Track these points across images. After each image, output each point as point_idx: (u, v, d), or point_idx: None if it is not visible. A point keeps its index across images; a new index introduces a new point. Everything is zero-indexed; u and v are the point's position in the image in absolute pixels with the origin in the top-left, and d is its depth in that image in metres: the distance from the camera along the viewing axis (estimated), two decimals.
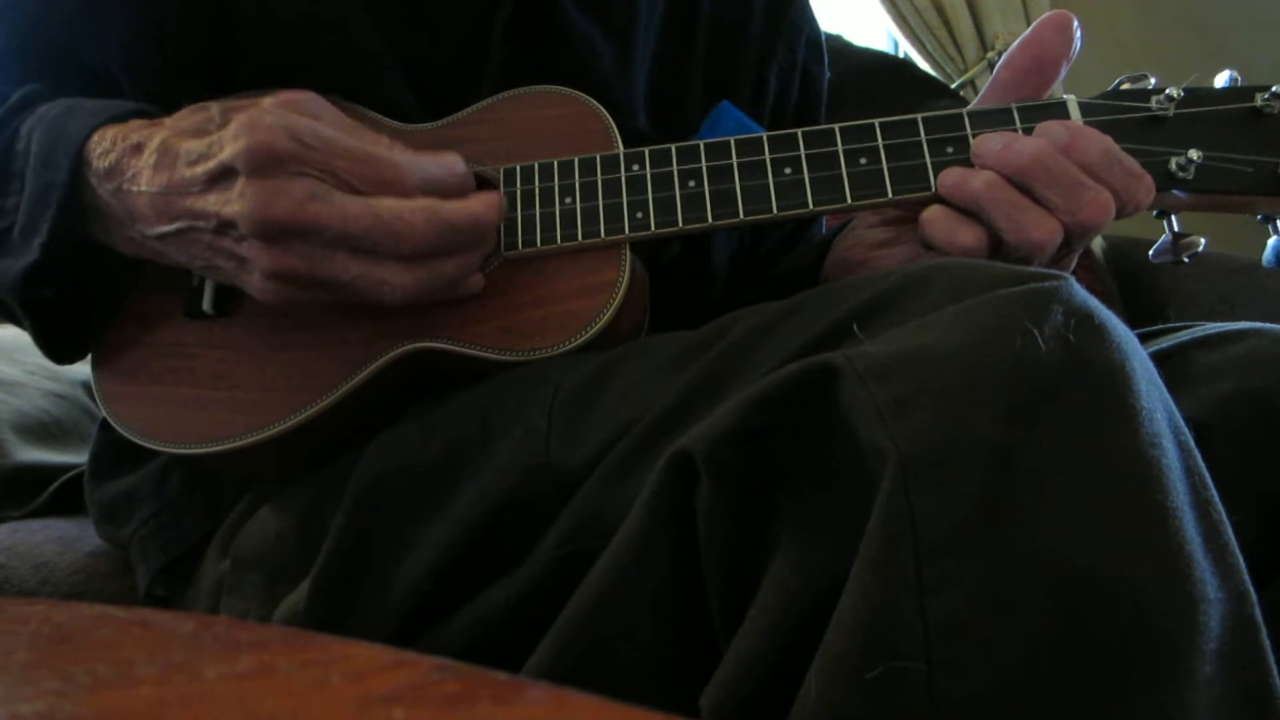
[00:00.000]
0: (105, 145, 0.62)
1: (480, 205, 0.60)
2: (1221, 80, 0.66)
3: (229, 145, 0.56)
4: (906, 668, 0.39)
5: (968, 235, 0.62)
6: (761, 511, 0.46)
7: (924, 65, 2.42)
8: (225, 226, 0.58)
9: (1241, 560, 0.43)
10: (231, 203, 0.57)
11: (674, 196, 0.65)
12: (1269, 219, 0.66)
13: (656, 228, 0.65)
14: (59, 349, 0.69)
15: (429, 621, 0.58)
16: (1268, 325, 0.62)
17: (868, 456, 0.43)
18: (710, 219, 0.65)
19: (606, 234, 0.65)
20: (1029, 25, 2.46)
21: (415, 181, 0.59)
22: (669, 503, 0.47)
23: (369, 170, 0.58)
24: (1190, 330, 0.65)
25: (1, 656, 0.30)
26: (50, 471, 1.01)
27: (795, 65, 0.87)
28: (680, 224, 0.65)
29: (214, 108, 0.60)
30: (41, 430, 1.07)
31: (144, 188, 0.60)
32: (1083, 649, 0.39)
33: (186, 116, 0.61)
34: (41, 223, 0.62)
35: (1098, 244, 1.86)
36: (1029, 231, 0.60)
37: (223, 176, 0.57)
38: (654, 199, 0.65)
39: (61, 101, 0.66)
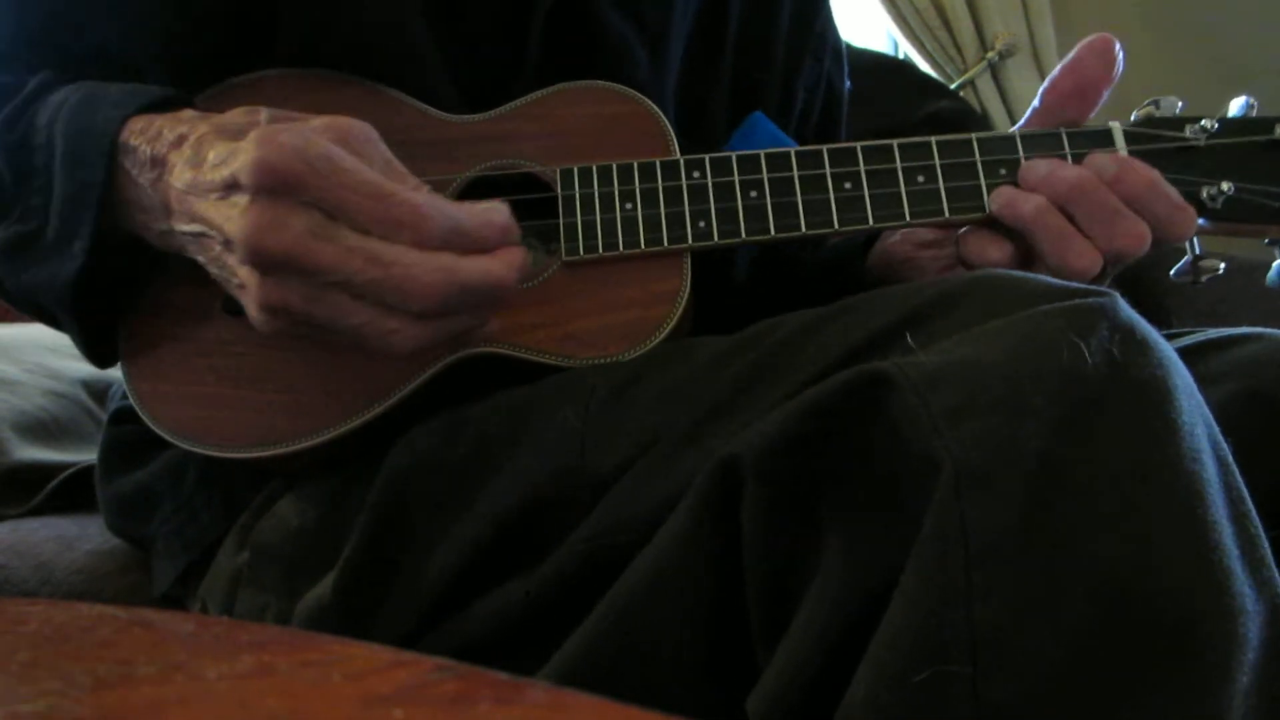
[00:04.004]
0: (151, 133, 0.59)
1: (501, 267, 0.55)
2: (1236, 107, 0.67)
3: (241, 156, 0.53)
4: (953, 672, 0.40)
5: (996, 251, 0.65)
6: (807, 519, 0.46)
7: (924, 65, 2.42)
8: (228, 244, 0.55)
9: (1276, 573, 0.44)
10: (233, 220, 0.53)
11: (736, 207, 0.65)
12: (1276, 243, 0.68)
13: (720, 238, 0.64)
14: (104, 352, 0.67)
15: (450, 614, 0.58)
16: (1270, 330, 0.63)
17: (918, 465, 0.43)
18: (773, 231, 0.65)
19: (669, 242, 0.64)
20: (1029, 25, 2.43)
21: (439, 231, 0.53)
22: (713, 508, 0.47)
23: (382, 210, 0.52)
24: (1193, 335, 0.65)
25: (1, 656, 0.30)
26: (50, 470, 1.01)
27: (821, 77, 0.87)
28: (744, 235, 0.65)
29: (263, 114, 0.58)
30: (41, 429, 1.07)
31: (175, 182, 0.57)
32: (1124, 657, 0.40)
33: (235, 117, 0.59)
34: (81, 225, 0.60)
35: None
36: (1071, 260, 0.62)
37: (230, 187, 0.54)
38: (716, 208, 0.65)
39: (79, 88, 0.64)
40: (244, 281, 0.55)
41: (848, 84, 0.91)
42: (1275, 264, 0.68)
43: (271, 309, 0.54)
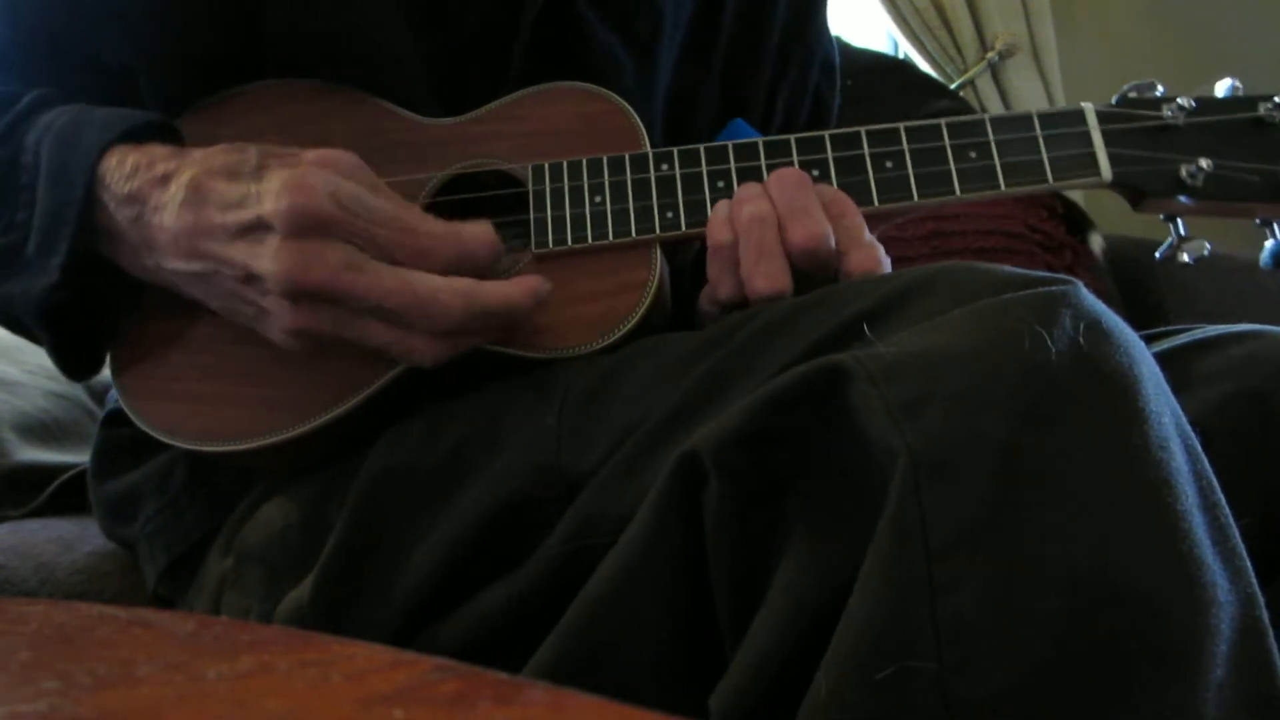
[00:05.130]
0: (126, 170, 0.61)
1: (518, 291, 0.60)
2: (1222, 89, 0.67)
3: (269, 201, 0.56)
4: (918, 667, 0.40)
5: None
6: (770, 512, 0.46)
7: (924, 65, 2.41)
8: (252, 279, 0.58)
9: (1249, 563, 0.43)
10: (262, 259, 0.56)
11: (704, 198, 0.65)
12: (1267, 222, 0.67)
13: (687, 228, 0.65)
14: (77, 366, 0.69)
15: (431, 618, 0.58)
16: (1268, 327, 0.63)
17: (877, 457, 0.43)
18: None
19: (637, 234, 0.65)
20: (1029, 25, 2.42)
21: (452, 254, 0.59)
22: (677, 503, 0.47)
23: (409, 241, 0.58)
24: (1190, 333, 0.65)
25: (1, 656, 0.30)
26: (50, 471, 1.01)
27: (806, 90, 0.87)
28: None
29: (251, 150, 0.60)
30: (42, 430, 1.07)
31: (167, 223, 0.59)
32: (1093, 651, 0.39)
33: (220, 154, 0.60)
34: (59, 241, 0.61)
35: (1098, 244, 1.85)
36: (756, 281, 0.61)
37: (256, 229, 0.57)
38: (684, 200, 0.65)
39: (68, 109, 0.65)
40: (271, 310, 0.58)
41: (839, 98, 0.91)
42: (1268, 245, 0.67)
43: (301, 333, 0.58)
